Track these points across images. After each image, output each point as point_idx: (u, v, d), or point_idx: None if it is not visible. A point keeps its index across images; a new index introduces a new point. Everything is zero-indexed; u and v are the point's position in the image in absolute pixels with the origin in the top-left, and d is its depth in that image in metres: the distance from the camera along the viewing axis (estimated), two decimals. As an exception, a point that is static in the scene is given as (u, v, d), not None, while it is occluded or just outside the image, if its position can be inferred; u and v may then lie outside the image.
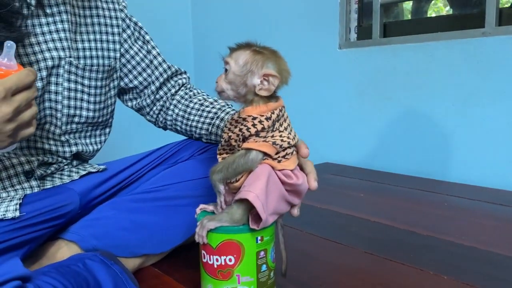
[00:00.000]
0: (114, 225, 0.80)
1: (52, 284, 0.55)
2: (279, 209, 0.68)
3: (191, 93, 1.04)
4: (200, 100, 1.00)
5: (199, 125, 0.98)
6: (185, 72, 1.07)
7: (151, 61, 1.01)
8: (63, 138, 0.87)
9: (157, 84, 1.01)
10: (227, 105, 0.99)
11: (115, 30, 0.96)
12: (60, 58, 0.83)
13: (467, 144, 1.54)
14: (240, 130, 0.65)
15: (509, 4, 1.51)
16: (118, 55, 0.96)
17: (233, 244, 0.65)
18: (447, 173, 1.59)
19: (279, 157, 0.66)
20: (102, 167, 0.92)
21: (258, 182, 0.63)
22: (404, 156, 1.72)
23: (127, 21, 0.99)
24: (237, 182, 0.67)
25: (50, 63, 0.82)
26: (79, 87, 0.88)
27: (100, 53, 0.92)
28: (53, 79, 0.84)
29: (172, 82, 1.04)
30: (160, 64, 1.02)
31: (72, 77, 0.87)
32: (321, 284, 0.80)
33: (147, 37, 1.02)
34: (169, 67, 1.03)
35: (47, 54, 0.82)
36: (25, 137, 0.67)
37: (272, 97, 0.67)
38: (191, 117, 0.99)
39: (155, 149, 1.02)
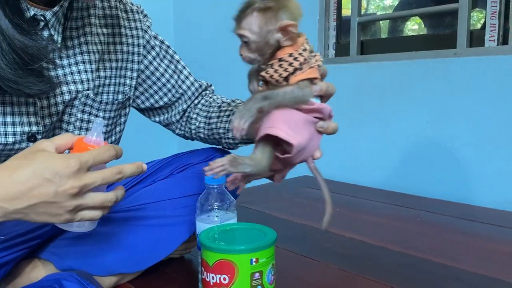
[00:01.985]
0: (90, 244, 0.81)
1: None
2: (311, 142, 0.68)
3: (210, 99, 1.04)
4: (218, 103, 1.00)
5: (218, 124, 0.97)
6: (211, 85, 1.07)
7: (183, 81, 1.01)
8: None
9: (188, 103, 1.02)
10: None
11: (136, 58, 0.94)
12: (77, 91, 0.82)
13: (440, 161, 1.59)
14: (281, 66, 0.65)
15: (480, 26, 1.57)
16: (134, 83, 0.94)
17: (228, 264, 0.67)
18: (421, 189, 1.63)
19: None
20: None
21: (278, 116, 0.64)
22: (380, 171, 1.76)
23: (152, 42, 0.97)
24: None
25: (67, 97, 0.81)
26: (92, 118, 0.88)
27: (118, 81, 0.91)
28: (67, 109, 0.83)
29: (199, 98, 1.04)
30: (192, 83, 1.02)
31: (87, 108, 0.86)
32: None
33: (176, 57, 1.01)
34: (200, 86, 1.03)
35: (65, 88, 0.80)
36: (85, 219, 0.63)
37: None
38: (211, 120, 0.99)
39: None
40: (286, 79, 0.65)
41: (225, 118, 0.96)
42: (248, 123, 0.64)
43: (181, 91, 1.00)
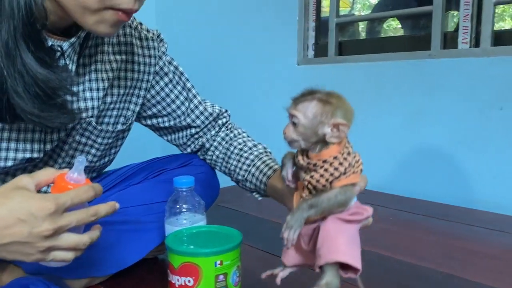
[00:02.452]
0: (60, 247, 0.81)
1: None
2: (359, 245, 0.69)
3: (231, 134, 1.03)
4: (240, 144, 1.00)
5: (237, 170, 0.97)
6: (226, 111, 1.06)
7: (193, 110, 1.01)
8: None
9: (199, 129, 1.02)
10: (265, 152, 0.98)
11: (144, 85, 0.94)
12: (81, 118, 0.83)
13: (414, 160, 1.62)
14: (326, 170, 0.65)
15: (453, 29, 1.60)
16: (137, 108, 0.95)
17: (192, 267, 0.68)
18: (394, 187, 1.66)
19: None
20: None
21: (336, 239, 0.64)
22: (357, 170, 1.78)
23: (165, 68, 0.97)
24: None
25: (70, 125, 0.81)
26: (90, 142, 0.89)
27: (122, 107, 0.92)
28: (69, 139, 0.84)
29: (213, 123, 1.04)
30: (202, 113, 1.01)
31: (86, 133, 0.87)
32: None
33: (188, 85, 1.01)
34: (210, 114, 1.02)
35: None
36: (56, 260, 0.63)
37: None
38: (230, 161, 0.99)
39: (111, 171, 1.03)
40: (330, 182, 0.65)
41: (244, 167, 0.96)
42: (298, 233, 0.65)
43: (189, 120, 1.01)
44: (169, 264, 0.71)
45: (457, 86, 1.49)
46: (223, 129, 1.05)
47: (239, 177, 0.98)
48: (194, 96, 1.02)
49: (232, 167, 0.99)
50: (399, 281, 0.92)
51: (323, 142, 0.65)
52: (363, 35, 2.02)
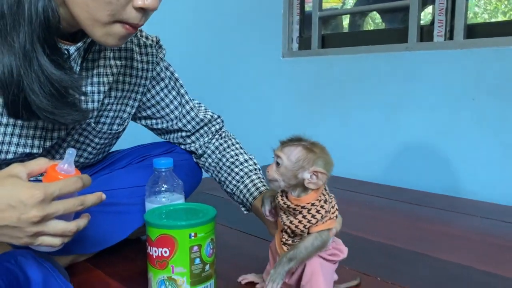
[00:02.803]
0: (48, 225, 0.86)
1: None
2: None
3: (225, 144, 1.08)
4: (232, 157, 1.05)
5: (227, 182, 1.03)
6: (219, 117, 1.10)
7: (184, 115, 1.05)
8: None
9: (190, 133, 1.07)
10: (255, 169, 1.03)
11: (141, 89, 0.98)
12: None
13: (393, 149, 1.68)
14: (304, 217, 0.71)
15: (429, 22, 1.65)
16: (133, 111, 1.00)
17: (168, 238, 0.73)
18: (372, 176, 1.72)
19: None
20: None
21: (319, 279, 0.71)
22: (337, 159, 1.84)
23: (162, 74, 1.01)
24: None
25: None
26: (87, 141, 0.93)
27: (118, 109, 0.96)
28: (67, 138, 0.89)
29: (206, 129, 1.08)
30: (193, 118, 1.06)
31: (85, 133, 0.92)
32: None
33: (182, 91, 1.05)
34: (201, 120, 1.06)
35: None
36: (44, 244, 0.66)
37: None
38: (222, 172, 1.04)
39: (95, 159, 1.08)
40: (308, 228, 0.71)
41: (234, 182, 1.02)
42: (280, 285, 0.70)
43: (180, 124, 1.05)
44: (147, 237, 0.76)
45: (432, 77, 1.56)
46: (216, 136, 1.09)
47: (228, 190, 1.04)
48: (187, 102, 1.06)
49: (223, 178, 1.05)
50: (369, 259, 0.98)
51: (302, 187, 0.71)
52: (346, 29, 2.07)
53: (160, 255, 0.74)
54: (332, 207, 0.74)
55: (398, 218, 1.28)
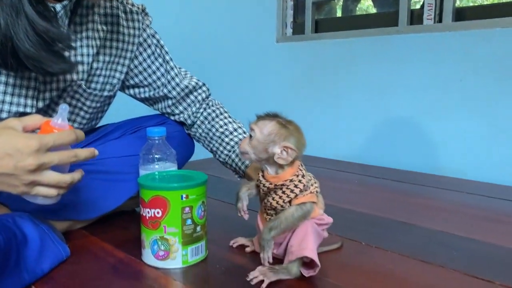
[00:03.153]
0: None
1: None
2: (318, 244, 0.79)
3: (214, 114, 1.11)
4: (221, 127, 1.09)
5: (219, 152, 1.08)
6: (204, 85, 1.13)
7: (169, 81, 1.08)
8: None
9: (176, 100, 1.10)
10: (245, 138, 1.06)
11: (128, 55, 1.01)
12: (72, 81, 0.91)
13: (383, 130, 1.72)
14: (284, 193, 0.73)
15: (419, 6, 1.68)
16: (122, 77, 1.03)
17: (161, 199, 0.76)
18: (363, 157, 1.76)
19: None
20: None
21: (309, 238, 0.73)
22: (329, 141, 1.88)
23: (149, 40, 1.04)
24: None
25: (62, 84, 0.89)
26: (79, 105, 0.96)
27: (108, 73, 0.99)
28: (59, 100, 0.92)
29: (192, 98, 1.11)
30: (178, 84, 1.09)
31: (76, 96, 0.94)
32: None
33: (167, 57, 1.08)
34: (186, 86, 1.09)
35: (61, 77, 0.89)
36: (40, 195, 0.69)
37: None
38: (213, 142, 1.09)
39: (89, 130, 1.11)
40: (289, 202, 0.73)
41: (225, 152, 1.07)
42: (270, 252, 0.73)
43: (165, 90, 1.08)
44: (140, 199, 0.79)
45: (422, 59, 1.59)
46: (204, 105, 1.13)
47: (221, 159, 1.09)
48: (172, 68, 1.09)
49: (214, 148, 1.09)
50: (355, 227, 1.01)
51: (275, 163, 0.73)
52: (339, 14, 2.10)
53: (153, 215, 0.78)
54: (312, 185, 0.76)
55: (386, 193, 1.32)
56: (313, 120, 1.93)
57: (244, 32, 2.19)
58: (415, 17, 1.64)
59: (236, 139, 1.07)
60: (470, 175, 1.49)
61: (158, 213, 0.77)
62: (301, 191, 0.73)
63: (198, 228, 0.80)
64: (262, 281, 0.72)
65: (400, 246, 0.90)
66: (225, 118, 1.11)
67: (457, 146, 1.53)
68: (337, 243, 0.88)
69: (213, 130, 1.09)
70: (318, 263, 0.72)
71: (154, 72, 1.07)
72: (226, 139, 1.07)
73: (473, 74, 1.47)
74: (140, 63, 1.05)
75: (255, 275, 0.72)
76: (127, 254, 0.85)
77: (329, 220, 0.79)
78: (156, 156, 0.90)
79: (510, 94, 1.41)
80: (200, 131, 1.11)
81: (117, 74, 1.01)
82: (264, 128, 0.73)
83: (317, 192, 0.76)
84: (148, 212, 0.78)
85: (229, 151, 1.06)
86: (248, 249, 0.87)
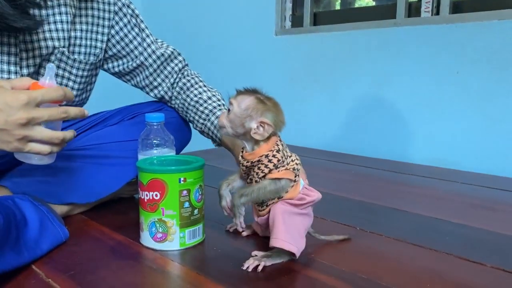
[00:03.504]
0: (45, 174, 0.91)
1: None
2: (306, 228, 0.78)
3: (189, 83, 1.12)
4: (195, 96, 1.10)
5: (195, 121, 1.10)
6: (179, 54, 1.15)
7: (145, 49, 1.09)
8: None
9: (153, 70, 1.11)
10: (219, 105, 1.08)
11: (106, 23, 1.02)
12: (54, 47, 0.92)
13: (381, 123, 1.73)
14: (259, 168, 0.73)
15: (417, -1, 1.69)
16: (104, 46, 1.04)
17: (159, 182, 0.78)
18: (360, 148, 1.77)
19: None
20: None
21: (279, 227, 0.72)
22: (327, 133, 1.89)
23: (124, 9, 1.05)
24: (264, 211, 0.77)
25: (44, 51, 0.91)
26: (66, 74, 0.97)
27: (89, 43, 1.00)
28: (44, 63, 0.92)
29: (169, 69, 1.12)
30: (154, 51, 1.10)
31: (62, 65, 0.96)
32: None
33: (142, 25, 1.10)
34: (162, 54, 1.11)
35: (42, 43, 0.90)
36: (33, 151, 0.71)
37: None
38: (189, 112, 1.10)
39: (89, 115, 1.12)
40: (263, 177, 0.74)
41: (201, 121, 1.09)
42: (242, 218, 0.76)
43: (142, 58, 1.09)
44: (139, 183, 0.81)
45: (419, 52, 1.60)
46: (180, 76, 1.14)
47: (198, 129, 1.12)
48: (147, 36, 1.11)
49: (191, 118, 1.11)
50: (349, 213, 1.03)
51: (255, 141, 0.74)
52: (337, 6, 2.11)
53: (151, 198, 0.79)
54: (292, 161, 0.76)
55: (381, 183, 1.33)
56: (311, 112, 1.94)
57: (242, 25, 2.20)
58: (413, 10, 1.65)
59: (210, 107, 1.08)
60: (465, 166, 1.51)
61: (156, 195, 0.79)
62: (275, 165, 0.73)
63: (196, 211, 0.82)
64: (257, 266, 0.73)
65: (393, 230, 0.91)
66: (200, 87, 1.13)
67: (453, 137, 1.55)
68: (345, 236, 0.87)
69: (188, 99, 1.11)
70: (293, 250, 0.72)
71: (131, 41, 1.08)
72: (201, 108, 1.08)
73: (470, 66, 1.49)
74: (117, 32, 1.06)
75: (250, 262, 0.73)
76: (125, 237, 0.86)
77: (313, 197, 0.78)
78: (155, 141, 0.91)
79: (506, 86, 1.42)
80: (178, 102, 1.13)
81: (99, 44, 1.02)
82: (242, 102, 0.73)
83: (295, 169, 0.75)
84: (147, 195, 0.79)
85: (204, 119, 1.08)
86: (244, 233, 0.88)
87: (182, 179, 0.79)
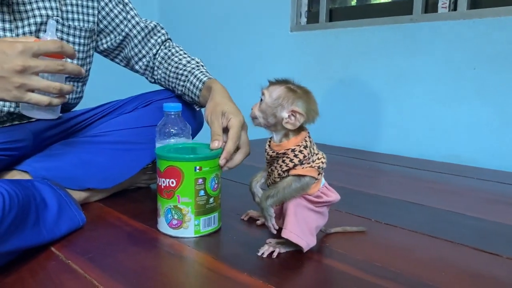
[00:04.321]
0: (63, 160, 0.93)
1: (5, 188, 0.67)
2: (318, 227, 0.78)
3: (169, 53, 1.15)
4: (176, 62, 1.12)
5: (177, 86, 1.11)
6: (162, 28, 1.18)
7: (129, 20, 1.12)
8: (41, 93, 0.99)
9: (137, 40, 1.13)
10: (197, 66, 1.10)
11: None
12: (48, 16, 0.96)
13: (395, 119, 1.72)
14: (284, 161, 0.73)
15: (435, -6, 1.68)
16: (96, 19, 1.07)
17: (175, 170, 0.79)
18: (376, 145, 1.77)
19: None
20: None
21: (289, 219, 0.72)
22: (342, 130, 1.89)
23: None
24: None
25: (39, 19, 0.95)
26: (64, 40, 1.00)
27: (81, 16, 1.03)
28: (41, 34, 0.96)
29: (153, 41, 1.15)
30: (137, 23, 1.13)
31: (58, 34, 0.99)
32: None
33: (126, 0, 1.14)
34: (146, 26, 1.14)
35: (36, 12, 0.94)
36: (32, 102, 0.72)
37: (300, 127, 0.74)
38: (170, 79, 1.12)
39: (103, 104, 1.15)
40: (287, 171, 0.73)
41: (181, 83, 1.10)
42: (273, 220, 0.74)
43: (127, 30, 1.12)
44: (157, 170, 0.82)
45: (436, 48, 1.59)
46: (162, 47, 1.16)
47: (179, 92, 1.12)
48: (131, 9, 1.14)
49: (173, 85, 1.13)
50: (365, 206, 1.03)
51: (283, 130, 0.73)
52: (354, 2, 2.11)
53: (167, 185, 0.80)
54: (318, 159, 0.75)
55: (396, 178, 1.33)
56: (326, 108, 1.94)
57: (258, 21, 2.21)
58: (430, 5, 1.64)
59: (189, 68, 1.09)
60: (482, 162, 1.50)
61: (172, 183, 0.80)
62: (300, 161, 0.72)
63: (211, 200, 0.82)
64: (272, 253, 0.74)
65: (408, 222, 0.91)
66: (180, 55, 1.15)
67: (469, 134, 1.54)
68: (359, 227, 0.86)
69: (169, 67, 1.12)
70: (300, 243, 0.72)
71: (116, 16, 1.11)
72: (180, 71, 1.10)
73: (487, 62, 1.47)
74: (103, 8, 1.09)
75: (264, 249, 0.74)
76: (142, 224, 0.88)
77: (331, 197, 0.77)
78: (172, 130, 0.93)
79: (524, 82, 1.41)
80: (160, 71, 1.15)
81: (91, 18, 1.06)
82: (273, 92, 0.73)
83: (320, 167, 0.75)
84: (163, 182, 0.81)
85: (184, 81, 1.09)
86: (259, 222, 0.89)
87: (197, 167, 0.80)
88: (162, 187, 0.81)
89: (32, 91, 0.72)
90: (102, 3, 1.08)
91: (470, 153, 1.54)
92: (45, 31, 0.96)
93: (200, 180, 0.80)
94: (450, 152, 1.58)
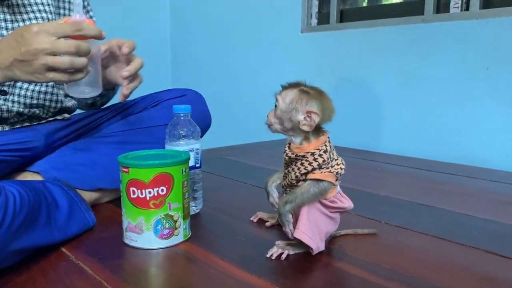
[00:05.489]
0: (74, 160, 0.94)
1: (16, 188, 0.68)
2: (328, 232, 0.78)
3: None
4: None
5: None
6: None
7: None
8: (49, 93, 1.01)
9: None
10: None
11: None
12: (48, 19, 0.99)
13: (407, 120, 1.71)
14: (302, 164, 0.72)
15: (446, -6, 1.67)
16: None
17: (165, 176, 0.76)
18: (387, 146, 1.76)
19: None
20: (67, 116, 1.06)
21: (302, 220, 0.72)
22: (352, 131, 1.88)
23: None
24: None
25: (40, 20, 0.97)
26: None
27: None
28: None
29: None
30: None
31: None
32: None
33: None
34: None
35: (38, 15, 0.97)
36: (55, 80, 0.75)
37: (320, 130, 0.74)
38: None
39: (111, 104, 1.16)
40: (304, 175, 0.73)
41: None
42: (291, 225, 0.73)
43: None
44: (132, 183, 0.76)
45: (448, 48, 1.58)
46: None
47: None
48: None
49: None
50: (375, 208, 1.02)
51: (302, 133, 0.73)
52: (365, 3, 2.10)
53: (156, 194, 0.75)
54: (337, 164, 0.74)
55: (407, 179, 1.32)
56: (337, 109, 1.93)
57: (269, 23, 2.21)
58: (442, 6, 1.63)
59: None
60: (494, 164, 1.48)
61: (162, 190, 0.76)
62: (319, 165, 0.71)
63: (190, 200, 0.83)
64: (281, 254, 0.73)
65: (419, 225, 0.90)
66: None
67: (482, 135, 1.52)
68: (370, 230, 0.86)
69: None
70: (310, 244, 0.72)
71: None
72: None
73: (500, 62, 1.45)
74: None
75: (273, 250, 0.74)
76: (152, 225, 0.88)
77: (345, 204, 0.77)
78: (182, 132, 0.93)
79: (538, 82, 1.39)
80: None
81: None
82: (286, 97, 0.73)
83: (338, 173, 0.74)
84: (150, 192, 0.75)
85: None
86: (268, 224, 0.89)
87: (183, 169, 0.79)
88: (148, 198, 0.75)
89: (54, 70, 0.73)
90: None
91: (482, 154, 1.52)
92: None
93: (185, 182, 0.80)
94: (462, 153, 1.57)
